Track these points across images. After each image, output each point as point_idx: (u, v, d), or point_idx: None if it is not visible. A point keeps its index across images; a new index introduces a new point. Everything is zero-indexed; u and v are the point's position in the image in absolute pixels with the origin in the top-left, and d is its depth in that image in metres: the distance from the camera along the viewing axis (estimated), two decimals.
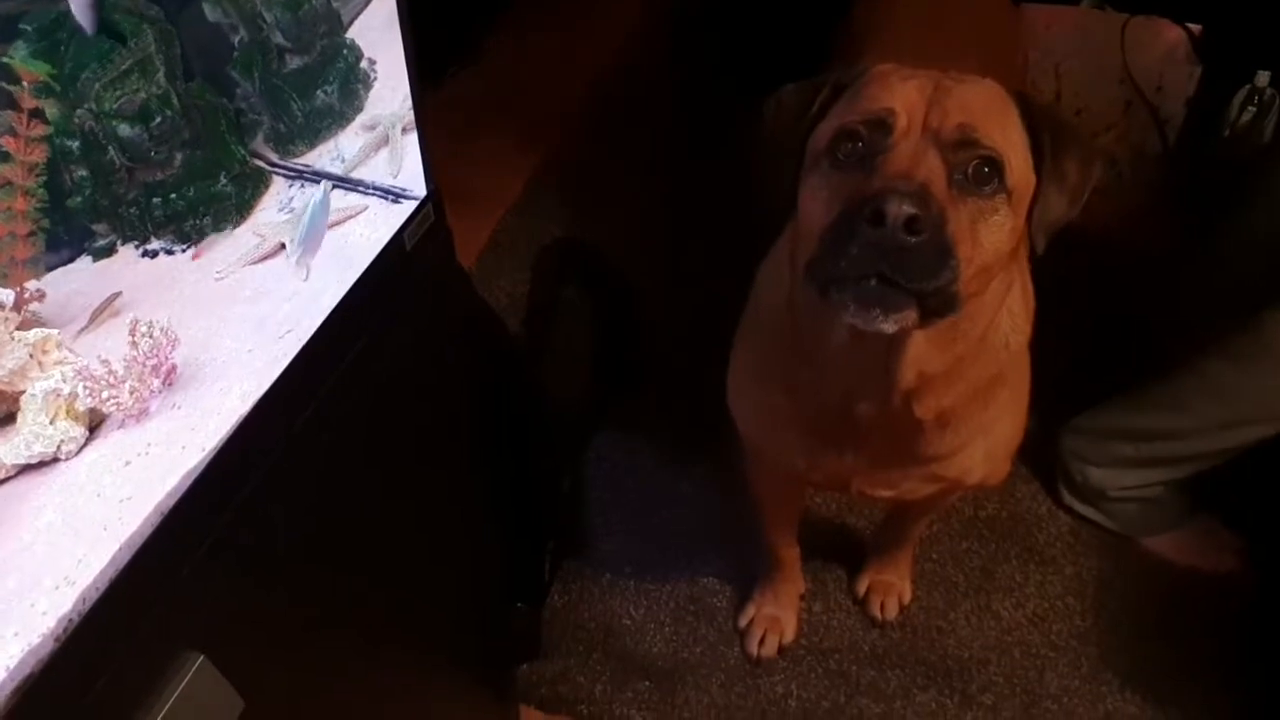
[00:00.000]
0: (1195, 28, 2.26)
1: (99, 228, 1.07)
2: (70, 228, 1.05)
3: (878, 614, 1.83)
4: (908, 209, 0.83)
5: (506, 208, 2.64)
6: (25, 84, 0.92)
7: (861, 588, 1.86)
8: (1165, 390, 1.74)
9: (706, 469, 2.03)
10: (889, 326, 0.90)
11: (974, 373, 1.09)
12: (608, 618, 1.85)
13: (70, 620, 0.76)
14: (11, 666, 0.72)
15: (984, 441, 1.22)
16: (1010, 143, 0.92)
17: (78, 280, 1.05)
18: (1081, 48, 2.25)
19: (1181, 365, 1.71)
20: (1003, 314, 1.08)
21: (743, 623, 1.81)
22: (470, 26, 2.99)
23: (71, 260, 1.07)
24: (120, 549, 0.80)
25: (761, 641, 1.78)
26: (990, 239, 0.91)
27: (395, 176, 1.14)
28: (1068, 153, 0.94)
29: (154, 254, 1.09)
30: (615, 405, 2.16)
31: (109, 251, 1.08)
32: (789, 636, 1.80)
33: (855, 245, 0.86)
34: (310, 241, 1.07)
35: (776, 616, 1.80)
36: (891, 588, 1.84)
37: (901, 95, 0.93)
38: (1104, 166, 2.25)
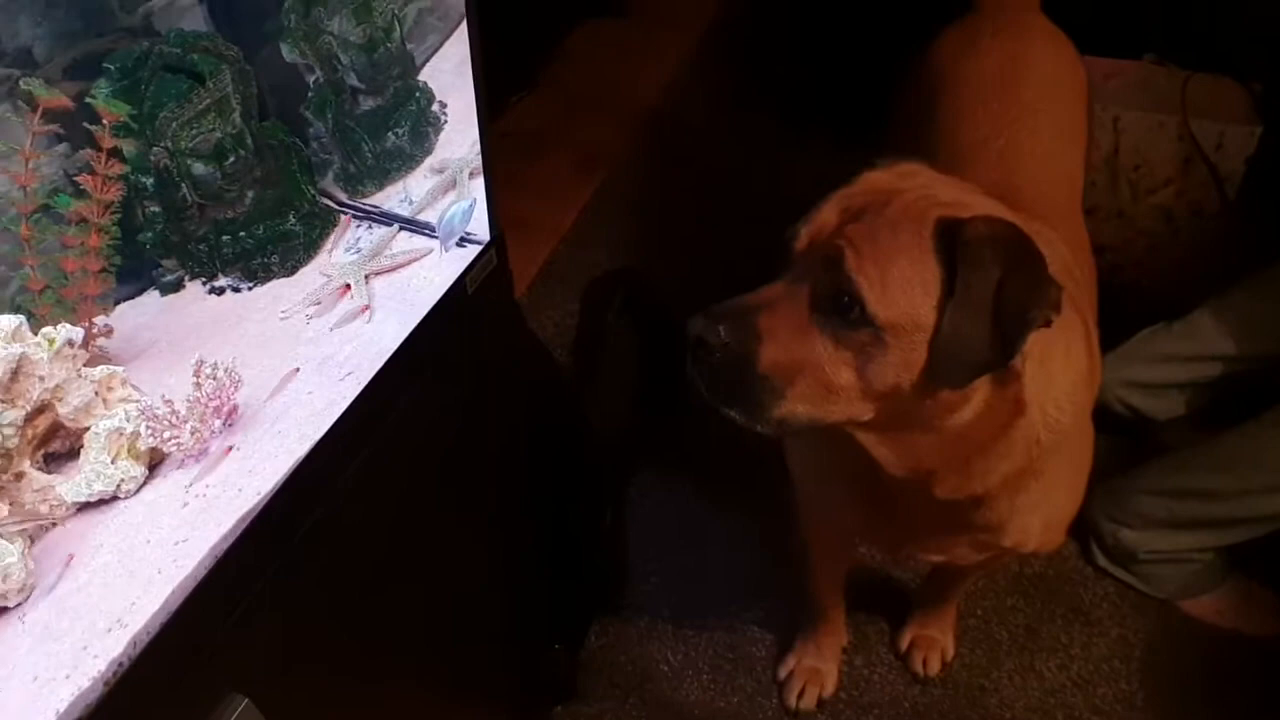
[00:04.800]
0: (1257, 86, 2.23)
1: (168, 263, 1.08)
2: (139, 262, 1.05)
3: (920, 669, 1.80)
4: (694, 331, 0.92)
5: (559, 237, 2.64)
6: (105, 123, 0.92)
7: (904, 642, 1.82)
8: (1207, 449, 1.72)
9: (749, 508, 2.00)
10: (735, 418, 0.96)
11: (998, 466, 1.05)
12: (645, 662, 1.82)
13: (120, 664, 0.76)
14: (61, 710, 0.72)
15: (1040, 513, 1.18)
16: (888, 278, 0.88)
17: (144, 314, 1.06)
18: (1141, 102, 2.22)
19: (1226, 425, 1.68)
20: (1032, 412, 1.01)
21: (782, 674, 1.79)
22: (527, 58, 3.01)
23: (139, 294, 1.07)
24: (173, 592, 0.80)
25: (801, 694, 1.75)
26: (867, 369, 0.90)
27: None
28: (974, 271, 0.87)
29: (220, 291, 1.09)
30: (659, 440, 2.14)
31: (177, 287, 1.09)
32: (829, 690, 1.77)
33: None
34: (448, 238, 1.11)
35: (817, 668, 1.77)
36: (935, 643, 1.81)
37: (821, 215, 0.94)
38: (1161, 220, 2.25)
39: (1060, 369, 1.04)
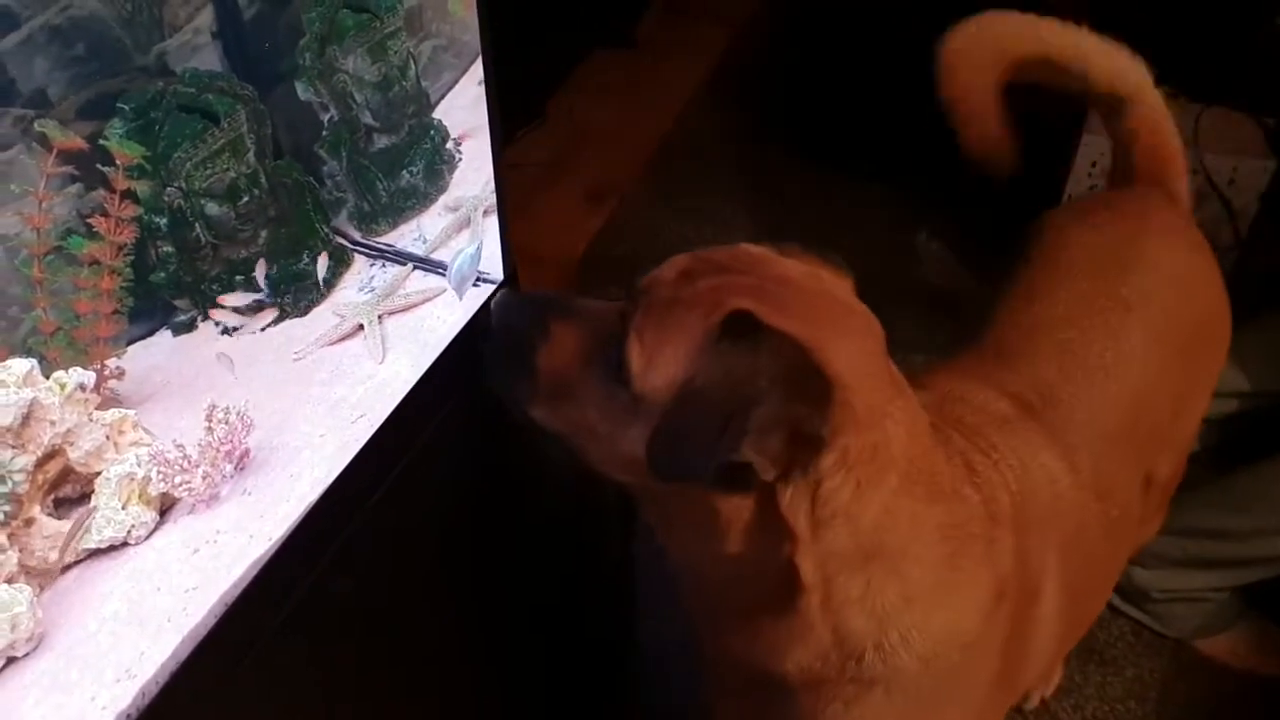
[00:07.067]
0: (1270, 120, 2.23)
1: (181, 303, 1.07)
2: (152, 301, 1.05)
3: None
4: (500, 302, 0.95)
5: (570, 270, 2.63)
6: (119, 165, 0.92)
7: None
8: (1221, 488, 1.71)
9: None
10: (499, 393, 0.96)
11: (787, 647, 0.90)
12: None
13: (128, 716, 0.74)
14: None
15: None
16: (659, 352, 0.82)
17: (156, 355, 1.05)
18: None
19: (1241, 465, 1.68)
20: (829, 601, 0.86)
21: None
22: (537, 90, 3.02)
23: (151, 334, 1.07)
24: (182, 642, 0.79)
25: None
26: (618, 431, 0.85)
27: None
28: (729, 360, 0.79)
29: (233, 330, 1.08)
30: None
31: (189, 327, 1.08)
32: None
33: None
34: (460, 285, 1.08)
35: None
36: None
37: (665, 267, 0.88)
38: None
39: (936, 596, 0.89)
